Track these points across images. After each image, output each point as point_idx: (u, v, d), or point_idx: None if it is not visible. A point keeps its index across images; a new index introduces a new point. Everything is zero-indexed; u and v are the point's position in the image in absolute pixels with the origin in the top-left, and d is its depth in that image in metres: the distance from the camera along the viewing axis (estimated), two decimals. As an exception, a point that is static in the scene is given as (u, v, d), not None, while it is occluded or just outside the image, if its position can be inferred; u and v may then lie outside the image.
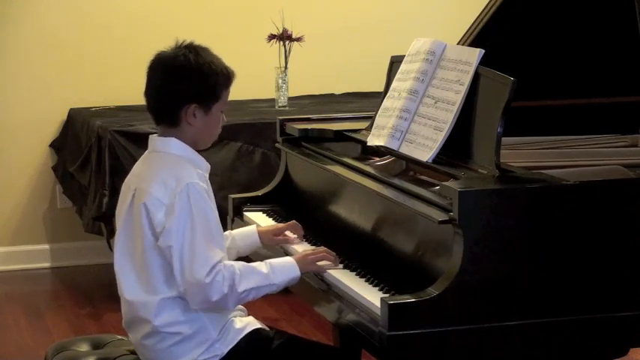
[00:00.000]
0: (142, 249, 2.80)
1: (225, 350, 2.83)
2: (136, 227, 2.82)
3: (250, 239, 3.15)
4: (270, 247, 3.19)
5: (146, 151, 2.93)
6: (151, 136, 2.92)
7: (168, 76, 2.85)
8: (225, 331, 2.85)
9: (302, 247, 3.09)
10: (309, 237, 3.20)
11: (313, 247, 3.07)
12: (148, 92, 2.90)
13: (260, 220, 3.48)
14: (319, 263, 2.92)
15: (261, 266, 2.84)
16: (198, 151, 2.89)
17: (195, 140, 2.88)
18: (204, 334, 2.82)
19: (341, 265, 2.95)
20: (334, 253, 2.97)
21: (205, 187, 2.82)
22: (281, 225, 3.23)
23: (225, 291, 2.74)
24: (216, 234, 2.80)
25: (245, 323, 2.90)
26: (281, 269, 2.86)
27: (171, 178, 2.78)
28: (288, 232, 3.20)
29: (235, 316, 2.90)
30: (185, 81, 2.83)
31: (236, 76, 2.89)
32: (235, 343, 2.85)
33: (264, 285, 2.81)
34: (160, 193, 2.77)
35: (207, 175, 2.89)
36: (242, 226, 3.48)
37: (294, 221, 3.21)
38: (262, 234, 3.17)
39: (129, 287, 2.85)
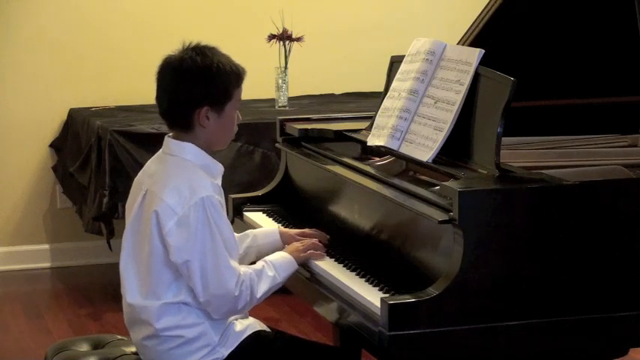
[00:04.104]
0: (147, 253, 2.79)
1: (226, 353, 2.83)
2: (144, 231, 2.80)
3: (272, 238, 3.12)
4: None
5: (160, 151, 2.90)
6: (166, 136, 2.88)
7: (177, 80, 2.81)
8: (225, 335, 2.85)
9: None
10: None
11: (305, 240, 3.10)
12: (159, 97, 2.85)
13: (260, 220, 3.47)
14: (309, 252, 2.99)
15: (265, 268, 2.87)
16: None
17: (211, 142, 2.85)
18: (206, 338, 2.81)
19: (328, 257, 3.00)
20: (324, 237, 3.07)
21: (220, 199, 2.81)
22: (307, 231, 3.16)
23: (248, 299, 2.79)
24: (232, 245, 2.82)
25: (245, 326, 2.90)
26: (282, 266, 2.90)
27: (185, 187, 2.76)
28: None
29: (236, 319, 2.90)
30: (194, 84, 2.79)
31: (247, 72, 2.87)
32: (236, 346, 2.85)
33: (273, 285, 2.87)
34: (173, 201, 2.75)
35: (221, 179, 2.88)
36: (242, 227, 3.48)
37: (320, 232, 3.15)
38: (283, 233, 3.14)
39: (131, 290, 2.84)
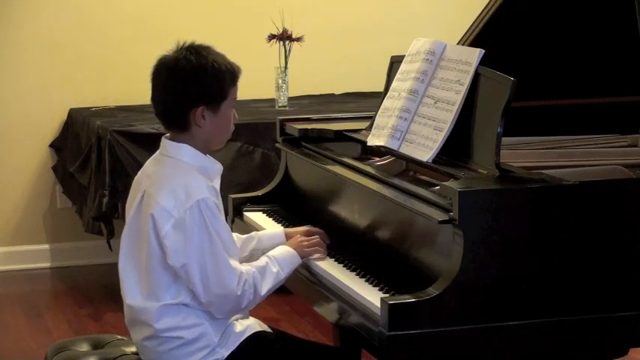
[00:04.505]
0: (146, 255, 2.79)
1: (226, 354, 2.83)
2: (142, 233, 2.80)
3: (278, 240, 3.09)
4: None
5: (157, 152, 2.89)
6: (163, 137, 2.88)
7: (171, 81, 2.80)
8: (225, 336, 2.84)
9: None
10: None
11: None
12: (154, 98, 2.85)
13: (260, 220, 3.47)
14: (313, 249, 2.99)
15: (269, 264, 2.87)
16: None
17: (209, 142, 2.85)
18: (206, 339, 2.81)
19: (329, 257, 3.01)
20: (326, 238, 3.06)
21: (216, 201, 2.80)
22: (313, 229, 3.14)
23: (252, 297, 2.80)
24: (231, 245, 2.82)
25: (245, 326, 2.89)
26: (285, 261, 2.91)
27: (181, 189, 2.75)
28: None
29: (237, 319, 2.90)
30: (189, 84, 2.78)
31: (242, 70, 2.86)
32: (236, 346, 2.84)
33: (277, 282, 2.87)
34: (169, 204, 2.74)
35: (219, 178, 2.88)
36: (242, 227, 3.48)
37: (322, 231, 3.13)
38: (289, 235, 3.11)
39: (131, 292, 2.84)
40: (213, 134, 2.84)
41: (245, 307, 2.83)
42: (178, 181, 2.77)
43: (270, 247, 3.03)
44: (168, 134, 2.88)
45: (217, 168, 2.88)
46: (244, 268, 2.81)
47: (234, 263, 2.79)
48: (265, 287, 2.83)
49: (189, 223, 2.73)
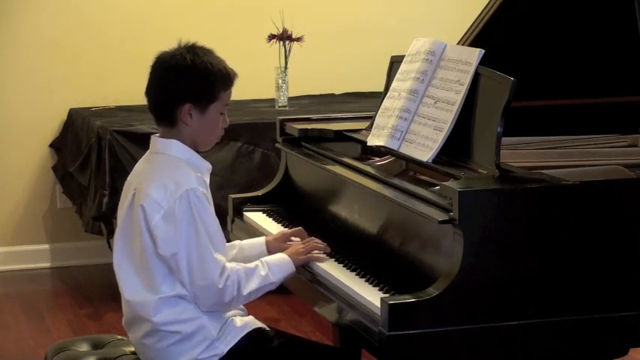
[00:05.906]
0: (140, 249, 2.81)
1: (225, 349, 2.84)
2: (134, 228, 2.82)
3: (259, 249, 3.09)
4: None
5: (147, 152, 2.93)
6: (152, 136, 2.92)
7: (164, 76, 2.86)
8: (225, 331, 2.85)
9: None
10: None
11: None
12: (148, 92, 2.91)
13: (260, 220, 3.47)
14: (308, 256, 2.98)
15: (258, 267, 2.88)
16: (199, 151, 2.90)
17: (194, 141, 2.87)
18: (204, 333, 2.82)
19: (329, 258, 3.00)
20: (324, 244, 3.03)
21: (205, 192, 2.82)
22: (287, 230, 3.17)
23: (235, 293, 2.80)
24: (218, 238, 2.83)
25: (245, 322, 2.90)
26: (277, 267, 2.91)
27: (170, 181, 2.78)
28: (294, 239, 3.14)
29: (235, 316, 2.91)
30: (179, 80, 2.82)
31: (238, 77, 2.88)
32: (235, 342, 2.85)
33: (264, 285, 2.87)
34: (159, 196, 2.77)
35: (209, 176, 2.89)
36: (242, 227, 3.49)
37: (300, 228, 3.16)
38: (270, 243, 3.10)
39: (128, 286, 2.85)
40: (198, 133, 2.86)
41: (228, 303, 2.83)
42: (168, 174, 2.80)
43: (251, 257, 3.02)
44: (157, 133, 2.92)
45: (206, 166, 2.90)
46: (230, 264, 2.83)
47: (219, 257, 2.79)
48: (249, 287, 2.83)
49: (178, 213, 2.76)
